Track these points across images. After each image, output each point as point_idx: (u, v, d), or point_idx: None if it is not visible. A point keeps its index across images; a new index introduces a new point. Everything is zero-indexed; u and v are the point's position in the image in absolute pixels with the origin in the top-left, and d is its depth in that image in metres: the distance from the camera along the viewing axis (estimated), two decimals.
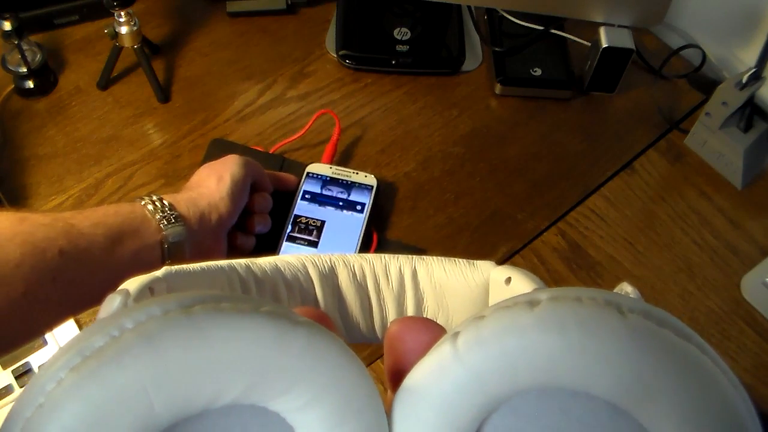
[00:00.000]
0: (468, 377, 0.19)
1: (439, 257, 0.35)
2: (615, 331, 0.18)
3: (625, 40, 0.83)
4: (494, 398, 0.19)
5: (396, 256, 0.35)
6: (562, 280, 0.74)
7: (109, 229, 0.51)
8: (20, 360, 0.65)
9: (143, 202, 0.56)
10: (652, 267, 0.75)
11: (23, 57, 0.80)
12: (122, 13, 0.79)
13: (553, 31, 0.91)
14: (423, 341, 0.21)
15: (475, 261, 0.35)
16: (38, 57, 0.82)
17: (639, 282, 0.74)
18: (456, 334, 0.20)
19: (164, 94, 0.84)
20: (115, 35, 0.81)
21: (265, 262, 0.35)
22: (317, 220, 0.72)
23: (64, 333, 0.66)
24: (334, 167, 0.76)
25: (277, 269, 0.34)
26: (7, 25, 0.77)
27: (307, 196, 0.73)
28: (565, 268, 0.75)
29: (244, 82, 0.87)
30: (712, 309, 0.73)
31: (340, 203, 0.73)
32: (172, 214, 0.56)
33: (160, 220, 0.55)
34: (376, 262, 0.35)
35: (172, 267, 0.30)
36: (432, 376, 0.19)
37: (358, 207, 0.73)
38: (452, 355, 0.19)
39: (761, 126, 0.81)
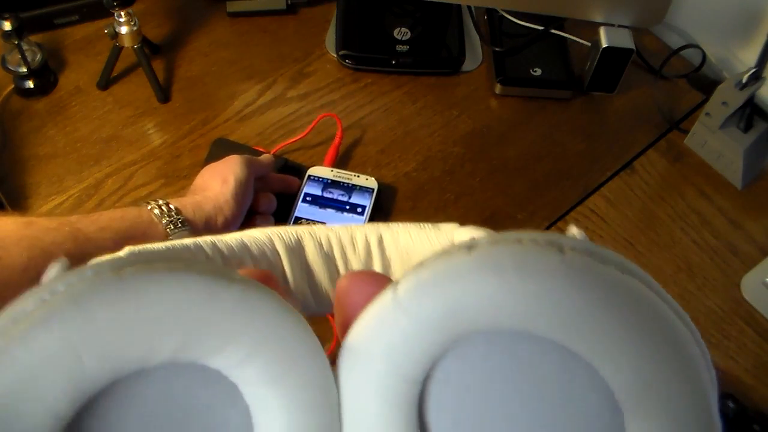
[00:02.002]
0: (410, 325, 0.18)
1: (405, 223, 0.35)
2: (553, 269, 0.17)
3: (625, 40, 0.83)
4: (439, 344, 0.19)
5: (362, 225, 0.36)
6: None
7: (115, 233, 0.51)
8: None
9: (149, 207, 0.56)
10: (652, 267, 0.75)
11: (23, 57, 0.80)
12: (122, 13, 0.79)
13: (553, 31, 0.91)
14: (370, 293, 0.21)
15: (440, 224, 0.35)
16: (38, 57, 0.82)
17: None
18: (396, 283, 0.19)
19: (164, 94, 0.84)
20: (115, 35, 0.81)
21: (231, 238, 0.35)
22: (318, 222, 0.72)
23: None
24: (335, 170, 0.76)
25: (243, 245, 0.35)
26: (7, 25, 0.77)
27: (308, 198, 0.73)
28: None
29: (244, 82, 0.87)
30: (712, 309, 0.73)
31: (341, 206, 0.73)
32: (178, 219, 0.56)
33: (167, 225, 0.55)
34: (342, 232, 0.35)
35: (136, 247, 0.30)
36: (375, 326, 0.19)
37: (359, 209, 0.73)
38: (393, 303, 0.19)
39: (761, 126, 0.81)
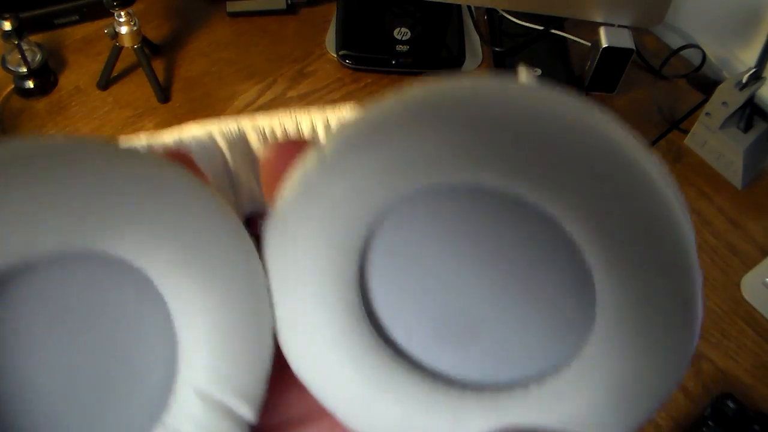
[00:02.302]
0: (340, 187, 0.16)
1: (352, 103, 0.35)
2: (499, 108, 0.15)
3: (625, 40, 0.83)
4: (375, 207, 0.16)
5: (308, 109, 0.34)
6: None
7: None
8: None
9: None
10: None
11: (23, 57, 0.80)
12: (122, 13, 0.79)
13: (553, 31, 0.91)
14: (295, 158, 0.18)
15: None
16: (38, 57, 0.82)
17: None
18: (322, 145, 0.17)
19: (164, 94, 0.84)
20: (115, 35, 0.81)
21: (168, 137, 0.32)
22: None
23: None
24: None
25: (182, 143, 0.32)
26: (7, 25, 0.77)
27: None
28: None
29: (244, 82, 0.87)
30: (712, 309, 0.73)
31: None
32: None
33: None
34: (286, 120, 0.33)
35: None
36: (302, 194, 0.17)
37: None
38: (320, 166, 0.16)
39: (761, 126, 0.81)
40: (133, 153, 0.16)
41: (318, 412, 0.18)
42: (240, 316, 0.16)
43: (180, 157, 0.18)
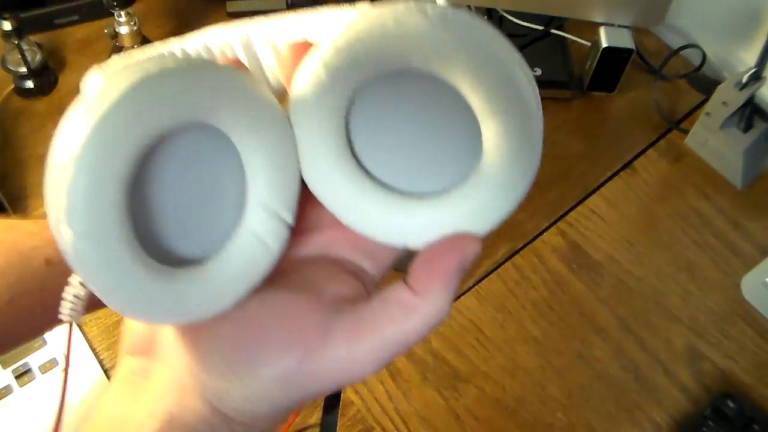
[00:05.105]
0: (330, 71, 0.26)
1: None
2: (419, 19, 0.24)
3: (625, 40, 0.83)
4: (355, 85, 0.26)
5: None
6: (562, 280, 0.74)
7: None
8: (20, 360, 0.65)
9: None
10: (652, 267, 0.75)
11: (23, 57, 0.80)
12: (122, 13, 0.79)
13: (553, 31, 0.91)
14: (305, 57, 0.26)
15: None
16: (38, 57, 0.82)
17: (639, 282, 0.74)
18: (319, 46, 0.26)
19: None
20: (115, 35, 0.81)
21: (193, 41, 0.50)
22: None
23: (57, 332, 0.66)
24: None
25: (207, 49, 0.52)
26: (7, 25, 0.77)
27: None
28: (565, 268, 0.75)
29: None
30: (712, 309, 0.73)
31: None
32: None
33: None
34: (289, 27, 0.47)
35: (121, 58, 0.39)
36: (310, 80, 0.26)
37: None
38: (319, 61, 0.26)
39: (761, 126, 0.81)
40: (214, 64, 0.25)
41: (329, 221, 0.28)
42: (281, 156, 0.27)
43: (235, 62, 0.28)
